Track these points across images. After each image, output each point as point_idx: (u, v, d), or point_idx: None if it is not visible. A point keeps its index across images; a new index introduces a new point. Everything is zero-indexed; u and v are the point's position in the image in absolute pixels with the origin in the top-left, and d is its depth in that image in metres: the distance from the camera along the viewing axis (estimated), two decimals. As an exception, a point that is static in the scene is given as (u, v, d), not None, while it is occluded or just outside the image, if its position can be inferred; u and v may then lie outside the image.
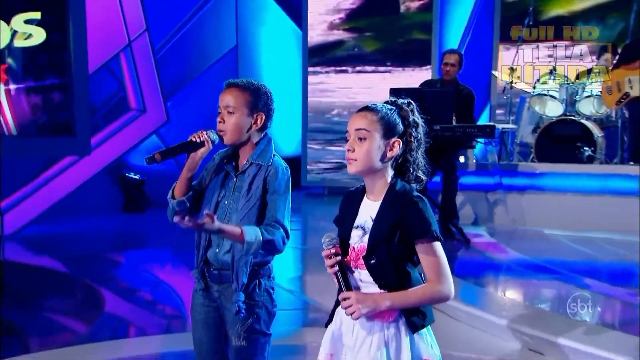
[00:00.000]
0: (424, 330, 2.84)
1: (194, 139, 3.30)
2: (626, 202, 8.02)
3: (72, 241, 8.65)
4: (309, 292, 7.01)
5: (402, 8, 11.12)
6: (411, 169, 2.91)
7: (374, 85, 11.20)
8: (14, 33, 8.31)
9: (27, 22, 8.34)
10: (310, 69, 11.34)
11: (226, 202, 3.30)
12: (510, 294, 6.31)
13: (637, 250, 7.46)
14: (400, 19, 11.15)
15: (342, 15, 11.20)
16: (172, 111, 10.18)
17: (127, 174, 9.95)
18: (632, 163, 8.38)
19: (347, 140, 2.87)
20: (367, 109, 2.88)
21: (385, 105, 2.89)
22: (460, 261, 7.07)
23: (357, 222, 2.91)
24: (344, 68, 11.33)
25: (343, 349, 2.92)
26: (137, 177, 9.98)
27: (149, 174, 9.93)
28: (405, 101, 2.94)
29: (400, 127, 2.87)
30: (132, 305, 6.82)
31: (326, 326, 3.02)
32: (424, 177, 2.95)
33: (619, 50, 9.42)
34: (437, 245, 2.81)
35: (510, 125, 9.13)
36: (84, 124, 8.68)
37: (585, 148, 8.52)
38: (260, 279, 3.32)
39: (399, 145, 2.84)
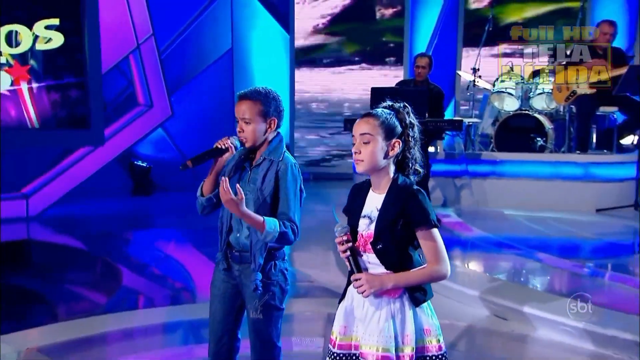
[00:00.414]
0: (425, 304, 2.88)
1: (219, 146, 3.33)
2: (573, 186, 8.14)
3: (89, 221, 8.69)
4: (296, 266, 6.97)
5: (378, 15, 11.14)
6: (410, 164, 2.93)
7: (352, 82, 11.20)
8: (36, 37, 8.26)
9: (47, 27, 8.30)
10: (296, 67, 11.31)
11: (243, 193, 3.27)
12: (476, 267, 6.38)
13: (583, 227, 7.55)
14: (376, 24, 11.16)
15: (324, 20, 11.16)
16: (175, 106, 10.10)
17: (135, 162, 9.94)
18: (578, 152, 8.42)
19: (354, 144, 2.89)
20: (369, 115, 2.90)
21: (384, 110, 2.90)
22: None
23: (364, 212, 2.93)
24: (326, 67, 11.30)
25: (355, 321, 2.94)
26: (144, 164, 9.97)
27: (154, 162, 9.98)
28: (401, 105, 2.96)
29: (399, 129, 2.88)
30: (144, 279, 6.84)
31: (339, 303, 3.04)
32: (421, 170, 2.97)
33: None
34: (435, 232, 2.85)
35: (475, 120, 9.12)
36: (98, 117, 8.66)
37: (538, 139, 8.54)
38: (275, 260, 3.34)
39: (399, 145, 2.86)
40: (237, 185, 3.19)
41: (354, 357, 2.94)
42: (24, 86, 8.26)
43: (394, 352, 2.80)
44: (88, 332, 5.08)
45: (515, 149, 8.50)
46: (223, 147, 3.32)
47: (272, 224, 3.19)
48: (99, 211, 9.04)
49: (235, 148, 3.35)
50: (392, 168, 2.89)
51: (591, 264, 6.48)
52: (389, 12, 11.10)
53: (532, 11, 10.96)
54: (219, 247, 3.45)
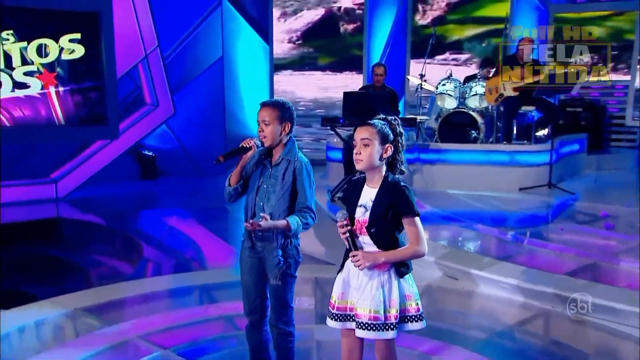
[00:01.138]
0: (407, 276, 2.96)
1: (245, 145, 3.34)
2: (501, 170, 8.15)
3: (107, 201, 8.64)
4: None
5: (342, 30, 11.11)
6: (398, 165, 2.97)
7: (320, 85, 11.21)
8: (61, 49, 8.14)
9: (71, 40, 8.18)
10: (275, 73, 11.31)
11: (265, 186, 3.34)
12: (429, 236, 6.13)
13: (509, 203, 7.62)
14: (340, 38, 11.13)
15: (298, 34, 11.14)
16: (176, 105, 9.97)
17: (143, 152, 9.83)
18: (504, 142, 8.47)
19: (355, 146, 2.91)
20: (368, 124, 2.92)
21: (380, 121, 2.93)
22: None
23: (361, 202, 2.97)
24: (298, 72, 11.31)
25: (350, 289, 3.00)
26: (150, 154, 9.88)
27: (159, 152, 9.89)
28: (393, 118, 2.99)
29: (392, 136, 2.92)
30: (159, 250, 6.79)
31: (337, 274, 3.09)
32: (405, 170, 3.01)
33: (496, 64, 9.27)
34: (417, 220, 2.90)
35: (425, 117, 9.10)
36: (113, 115, 8.55)
37: (472, 131, 8.56)
38: (291, 238, 3.37)
39: (391, 149, 2.90)
40: (262, 214, 3.23)
41: (349, 317, 2.99)
42: (52, 90, 8.13)
43: (382, 313, 2.87)
44: (118, 295, 5.06)
45: (454, 140, 8.49)
46: (247, 146, 3.33)
47: (294, 223, 3.25)
48: (115, 192, 8.99)
49: (257, 147, 3.34)
50: (384, 167, 2.93)
51: (515, 232, 6.49)
52: (350, 27, 11.07)
53: (470, 31, 10.98)
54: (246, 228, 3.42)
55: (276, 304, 3.44)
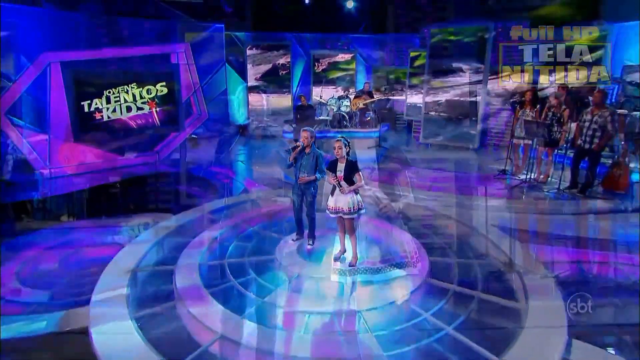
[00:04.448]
0: (359, 194, 3.37)
1: (297, 145, 3.60)
2: (359, 140, 8.09)
3: (179, 161, 8.27)
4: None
5: (280, 72, 11.01)
6: (350, 153, 3.34)
7: (274, 101, 11.14)
8: (157, 90, 7.84)
9: (161, 85, 7.87)
10: (250, 93, 11.04)
11: (304, 163, 3.64)
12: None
13: (365, 154, 7.32)
14: (281, 76, 11.02)
15: (259, 75, 11.04)
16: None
17: (192, 135, 9.44)
18: (359, 127, 8.72)
19: (335, 149, 3.27)
20: (340, 140, 3.25)
21: (344, 139, 3.29)
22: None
23: (338, 169, 3.34)
24: (261, 93, 11.20)
25: (337, 201, 3.35)
26: (195, 136, 9.49)
27: (197, 134, 9.48)
28: (348, 137, 3.32)
29: (349, 144, 3.31)
30: (216, 183, 6.44)
31: (329, 196, 3.37)
32: (352, 154, 3.35)
33: (355, 91, 10.06)
34: (361, 172, 3.30)
35: (328, 117, 9.16)
36: (181, 120, 8.40)
37: (345, 122, 8.93)
38: (316, 182, 3.66)
39: (348, 149, 3.29)
40: (303, 174, 3.34)
41: (339, 212, 3.34)
42: (154, 110, 7.89)
43: (352, 208, 3.30)
44: (218, 206, 5.11)
45: (339, 127, 8.89)
46: (298, 144, 3.61)
47: (318, 176, 3.59)
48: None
49: (302, 146, 3.60)
50: (346, 155, 3.32)
51: (371, 167, 6.63)
52: (285, 72, 11.08)
53: (339, 74, 11.09)
54: (295, 180, 3.69)
55: (310, 207, 3.77)
